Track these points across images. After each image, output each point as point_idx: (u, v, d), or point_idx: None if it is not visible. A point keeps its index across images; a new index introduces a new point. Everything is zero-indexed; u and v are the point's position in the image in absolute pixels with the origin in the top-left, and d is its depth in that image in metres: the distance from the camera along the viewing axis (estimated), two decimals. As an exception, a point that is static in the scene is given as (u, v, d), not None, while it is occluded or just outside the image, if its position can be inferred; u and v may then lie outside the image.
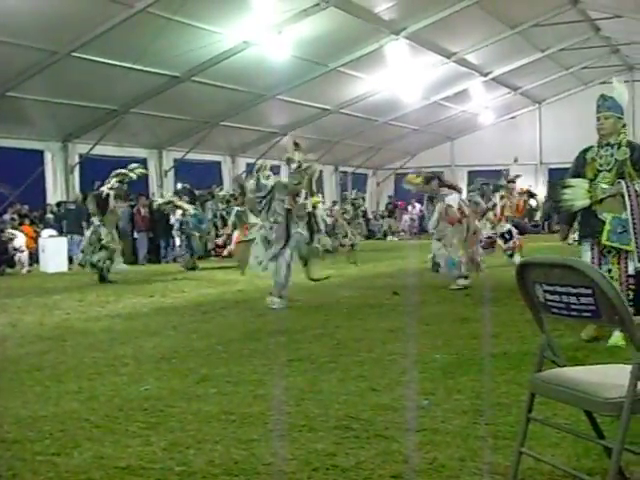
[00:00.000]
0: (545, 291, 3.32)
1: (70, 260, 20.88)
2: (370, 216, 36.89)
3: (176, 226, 19.35)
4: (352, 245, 22.30)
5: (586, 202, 7.20)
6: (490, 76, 30.77)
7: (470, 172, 35.19)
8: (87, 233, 15.88)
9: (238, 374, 6.38)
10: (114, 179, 15.78)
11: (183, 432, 4.78)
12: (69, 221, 22.20)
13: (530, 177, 34.19)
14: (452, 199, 13.11)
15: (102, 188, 15.85)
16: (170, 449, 4.45)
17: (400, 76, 26.93)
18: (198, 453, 4.37)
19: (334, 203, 34.36)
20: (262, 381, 6.08)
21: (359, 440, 4.50)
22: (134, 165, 16.71)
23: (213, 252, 22.21)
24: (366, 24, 22.08)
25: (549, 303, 3.32)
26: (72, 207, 22.63)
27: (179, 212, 19.15)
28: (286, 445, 4.42)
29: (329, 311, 10.29)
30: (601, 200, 7.12)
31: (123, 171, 15.95)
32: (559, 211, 8.00)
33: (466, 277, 12.74)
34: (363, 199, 28.12)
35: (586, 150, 7.45)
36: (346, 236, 24.76)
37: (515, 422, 4.47)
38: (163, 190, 27.27)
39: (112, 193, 15.59)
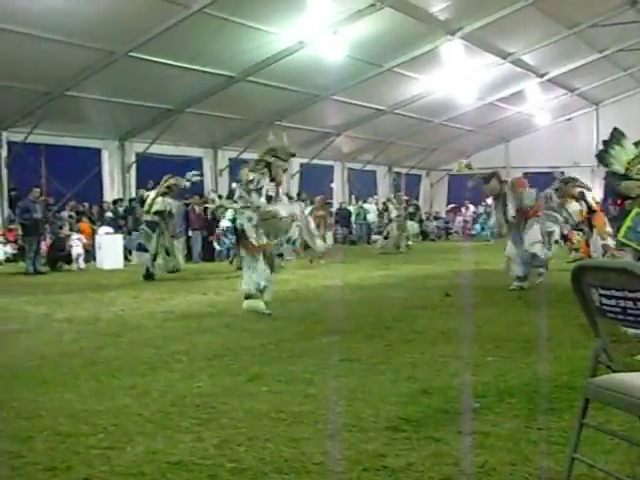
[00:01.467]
0: (601, 295, 3.27)
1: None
2: (424, 217, 36.71)
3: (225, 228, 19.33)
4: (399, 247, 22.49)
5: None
6: (546, 77, 30.42)
7: (525, 174, 34.75)
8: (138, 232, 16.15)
9: (289, 373, 6.40)
10: (165, 185, 16.09)
11: (234, 429, 4.82)
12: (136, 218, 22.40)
13: (586, 180, 33.57)
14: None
15: (150, 193, 16.20)
16: (221, 446, 4.49)
17: (455, 77, 26.78)
18: (249, 450, 4.40)
19: (384, 204, 34.35)
20: (313, 380, 6.09)
21: (410, 441, 4.49)
22: (191, 174, 16.95)
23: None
24: (421, 24, 22.00)
25: (605, 307, 3.27)
26: (135, 205, 22.92)
27: (230, 212, 19.22)
28: (336, 445, 4.42)
29: (381, 312, 10.26)
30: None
31: (176, 181, 16.21)
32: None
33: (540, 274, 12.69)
34: (412, 198, 27.93)
35: None
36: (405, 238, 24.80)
37: (568, 427, 4.42)
38: (218, 189, 27.50)
39: (159, 199, 15.90)
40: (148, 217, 16.22)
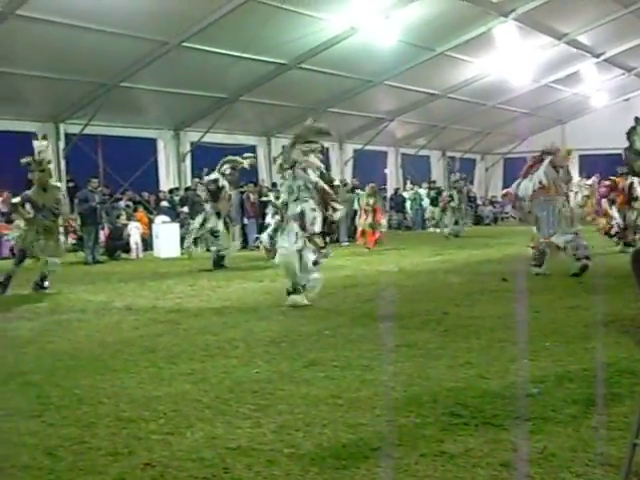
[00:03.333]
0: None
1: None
2: (479, 202, 36.38)
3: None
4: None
5: None
6: (603, 57, 29.80)
7: (582, 156, 34.21)
8: (198, 219, 16.09)
9: (346, 359, 6.42)
10: (226, 165, 16.00)
11: (292, 415, 4.86)
12: (191, 206, 22.53)
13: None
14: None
15: (213, 175, 16.07)
16: (279, 431, 4.53)
17: (509, 59, 26.41)
18: (307, 436, 4.43)
19: (438, 189, 34.12)
20: (370, 366, 6.11)
21: (468, 427, 4.48)
22: (247, 154, 16.93)
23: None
24: (474, 7, 21.75)
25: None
26: (192, 193, 23.09)
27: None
28: (394, 430, 4.43)
29: (437, 297, 10.23)
30: None
31: (234, 158, 16.14)
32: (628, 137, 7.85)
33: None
34: (465, 181, 27.48)
35: None
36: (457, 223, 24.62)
37: (629, 412, 4.37)
38: (272, 177, 27.59)
39: (226, 182, 15.80)
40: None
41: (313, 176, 10.06)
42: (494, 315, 8.46)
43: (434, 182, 33.25)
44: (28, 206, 12.23)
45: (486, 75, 28.34)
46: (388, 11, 20.49)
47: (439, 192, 30.23)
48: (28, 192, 12.49)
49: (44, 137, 12.90)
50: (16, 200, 12.44)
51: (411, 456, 4.04)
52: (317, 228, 9.95)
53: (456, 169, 26.70)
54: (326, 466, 3.96)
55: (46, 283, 12.38)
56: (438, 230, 27.18)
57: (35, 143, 12.67)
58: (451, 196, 25.44)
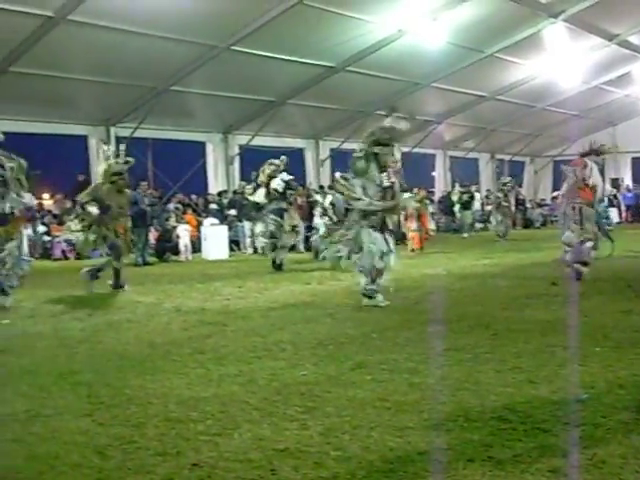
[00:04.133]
0: None
1: (237, 246, 21.76)
2: (528, 205, 36.03)
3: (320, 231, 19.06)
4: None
5: None
6: (655, 58, 29.37)
7: (634, 159, 33.70)
8: (267, 220, 16.08)
9: (393, 362, 6.40)
10: (267, 175, 16.01)
11: (339, 417, 4.85)
12: (241, 209, 22.66)
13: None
14: None
15: (285, 177, 16.12)
16: (326, 434, 4.53)
17: (559, 60, 26.16)
18: (353, 439, 4.42)
19: (488, 191, 33.82)
20: (417, 369, 6.08)
21: (516, 432, 4.43)
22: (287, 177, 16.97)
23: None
24: (523, 8, 21.60)
25: None
26: (239, 196, 23.27)
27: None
28: (441, 434, 4.40)
29: (485, 301, 10.14)
30: None
31: (271, 168, 16.11)
32: None
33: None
34: (514, 183, 27.15)
35: None
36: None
37: (682, 419, 4.29)
38: (319, 180, 27.69)
39: (282, 183, 15.83)
40: (272, 205, 15.97)
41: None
42: (543, 319, 8.36)
43: (467, 185, 32.66)
44: (93, 207, 12.44)
45: (535, 77, 28.10)
46: (436, 13, 20.43)
47: (472, 196, 29.97)
48: (96, 192, 12.66)
49: (105, 143, 13.14)
50: (86, 199, 12.64)
51: (459, 460, 4.01)
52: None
53: (505, 172, 26.41)
54: (373, 469, 3.95)
55: (123, 282, 12.75)
56: (466, 235, 26.98)
57: (104, 147, 12.99)
58: (499, 197, 25.16)
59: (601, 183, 12.12)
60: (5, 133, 10.93)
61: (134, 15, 17.30)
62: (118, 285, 12.67)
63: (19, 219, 11.10)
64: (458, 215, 31.89)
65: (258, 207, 16.93)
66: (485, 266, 15.35)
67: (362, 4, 19.38)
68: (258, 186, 16.92)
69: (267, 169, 16.02)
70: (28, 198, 11.48)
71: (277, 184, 15.78)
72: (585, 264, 11.70)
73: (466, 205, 30.03)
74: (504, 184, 25.52)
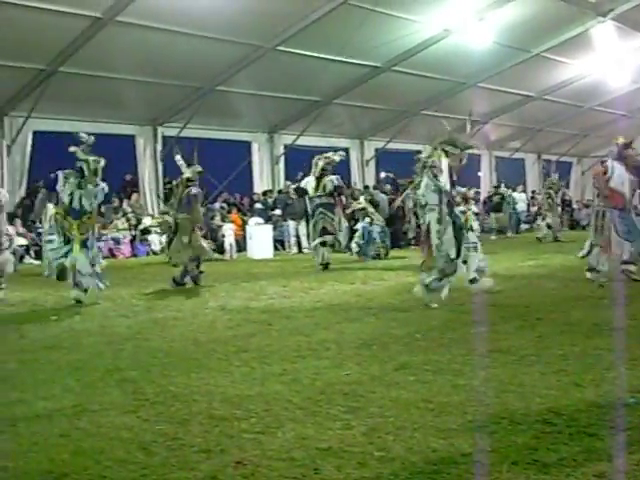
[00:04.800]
0: None
1: (282, 245, 21.91)
2: (575, 206, 35.59)
3: (358, 233, 19.03)
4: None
5: None
6: None
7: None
8: (317, 215, 16.04)
9: (437, 363, 6.37)
10: (321, 162, 16.01)
11: (382, 418, 4.85)
12: (285, 208, 22.74)
13: None
14: None
15: (308, 179, 16.19)
16: (370, 434, 4.53)
17: (607, 60, 25.80)
18: (397, 439, 4.41)
19: (533, 192, 33.48)
20: (461, 371, 6.04)
21: (561, 436, 4.38)
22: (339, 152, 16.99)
23: (413, 242, 22.10)
24: (570, 7, 21.36)
25: None
26: (284, 196, 23.34)
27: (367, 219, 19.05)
28: (485, 437, 4.37)
29: (531, 302, 10.04)
30: None
31: (325, 161, 16.13)
32: None
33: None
34: (561, 185, 26.72)
35: None
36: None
37: None
38: (364, 180, 27.68)
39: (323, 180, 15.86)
40: (320, 200, 15.94)
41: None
42: (590, 321, 8.25)
43: (497, 187, 32.12)
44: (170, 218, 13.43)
45: (583, 76, 27.77)
46: (482, 12, 20.31)
47: (502, 197, 29.50)
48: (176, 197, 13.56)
49: (177, 153, 13.75)
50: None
51: (503, 463, 3.98)
52: None
53: (552, 172, 26.08)
54: (416, 471, 3.94)
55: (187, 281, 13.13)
56: (493, 237, 26.61)
57: (177, 157, 14.17)
58: (549, 197, 24.77)
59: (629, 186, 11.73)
60: (54, 132, 11.44)
61: (181, 16, 17.47)
62: (182, 283, 13.00)
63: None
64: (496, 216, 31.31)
65: (304, 194, 16.98)
66: (531, 267, 15.21)
67: (408, 4, 19.34)
68: (304, 175, 17.07)
69: (321, 162, 16.04)
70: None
71: (328, 182, 15.79)
72: (632, 263, 11.56)
73: (496, 207, 29.08)
74: (553, 183, 25.16)
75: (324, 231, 15.82)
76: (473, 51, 21.86)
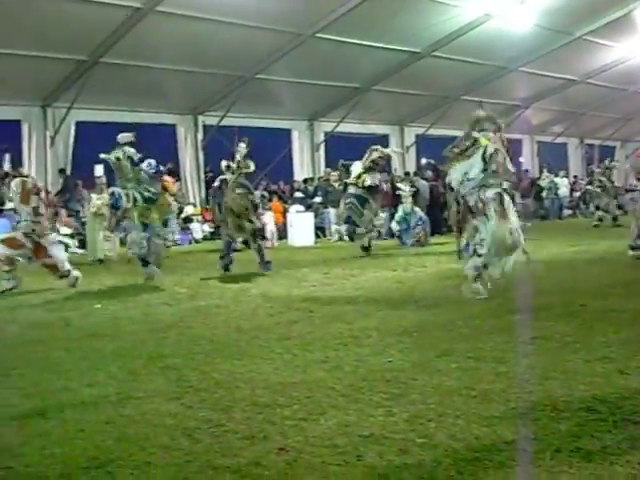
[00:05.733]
0: None
1: (322, 233, 21.96)
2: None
3: (398, 216, 19.00)
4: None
5: None
6: None
7: None
8: (345, 204, 16.10)
9: (479, 350, 6.34)
10: (375, 154, 15.99)
11: (424, 405, 4.85)
12: (326, 195, 22.77)
13: None
14: None
15: (356, 163, 16.18)
16: (412, 421, 4.54)
17: (651, 42, 25.39)
18: (439, 427, 4.42)
19: (575, 177, 33.10)
20: (504, 358, 6.01)
21: (605, 424, 4.34)
22: (396, 149, 17.00)
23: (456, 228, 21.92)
24: (613, -12, 21.02)
25: None
26: (325, 183, 23.38)
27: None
28: (528, 424, 4.35)
29: (575, 289, 9.95)
30: None
31: (378, 154, 16.08)
32: None
33: None
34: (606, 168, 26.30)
35: None
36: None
37: None
38: (405, 166, 27.57)
39: (366, 175, 15.85)
40: (355, 190, 15.94)
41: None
42: (634, 308, 8.15)
43: (526, 170, 31.50)
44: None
45: (627, 59, 27.34)
46: (524, -5, 20.07)
47: (532, 183, 28.99)
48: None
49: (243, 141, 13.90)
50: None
51: (546, 451, 3.96)
52: None
53: (595, 157, 25.72)
54: (458, 458, 3.94)
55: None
56: (529, 224, 26.15)
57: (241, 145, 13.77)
58: (602, 181, 24.40)
59: None
60: (96, 122, 11.91)
61: (220, 5, 17.53)
62: (267, 263, 13.49)
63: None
64: (546, 201, 31.10)
65: (347, 173, 17.05)
66: (574, 253, 15.05)
67: (448, -12, 19.22)
68: (346, 167, 17.11)
69: (375, 154, 16.02)
70: None
71: (371, 179, 15.77)
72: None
73: (525, 193, 28.29)
74: (607, 168, 24.76)
75: (348, 220, 15.99)
76: (514, 35, 21.63)
